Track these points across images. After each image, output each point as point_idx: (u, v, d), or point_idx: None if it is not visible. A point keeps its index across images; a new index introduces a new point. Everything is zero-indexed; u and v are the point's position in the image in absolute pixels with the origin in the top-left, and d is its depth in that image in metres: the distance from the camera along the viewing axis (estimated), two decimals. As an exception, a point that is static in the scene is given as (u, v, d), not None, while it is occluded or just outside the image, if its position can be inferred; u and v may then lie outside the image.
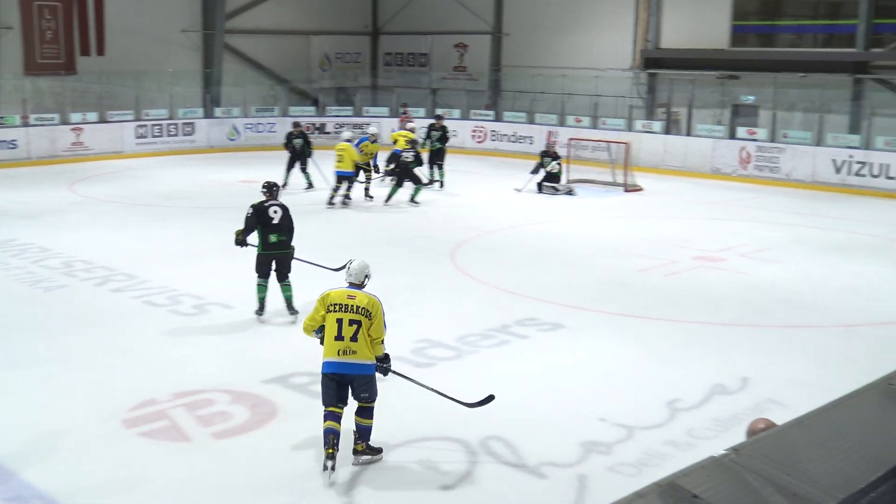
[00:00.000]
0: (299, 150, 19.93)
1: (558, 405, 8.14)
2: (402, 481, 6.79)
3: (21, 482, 6.60)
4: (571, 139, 23.92)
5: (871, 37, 23.33)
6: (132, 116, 26.03)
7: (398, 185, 18.50)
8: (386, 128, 25.83)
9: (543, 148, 21.58)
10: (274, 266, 10.45)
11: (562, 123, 26.81)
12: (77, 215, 17.17)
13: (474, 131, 28.26)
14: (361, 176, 18.77)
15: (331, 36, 33.64)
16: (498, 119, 28.60)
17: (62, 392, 8.45)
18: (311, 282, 10.43)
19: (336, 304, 6.79)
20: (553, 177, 20.52)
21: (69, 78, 26.33)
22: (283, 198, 18.34)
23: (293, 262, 10.65)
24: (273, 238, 10.34)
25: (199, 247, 14.54)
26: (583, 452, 7.21)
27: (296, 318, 10.50)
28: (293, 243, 10.56)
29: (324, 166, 19.28)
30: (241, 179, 21.55)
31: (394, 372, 7.14)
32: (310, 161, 19.87)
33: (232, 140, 27.70)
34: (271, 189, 10.62)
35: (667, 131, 25.40)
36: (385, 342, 7.00)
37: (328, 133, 28.05)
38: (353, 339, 6.72)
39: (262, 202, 10.44)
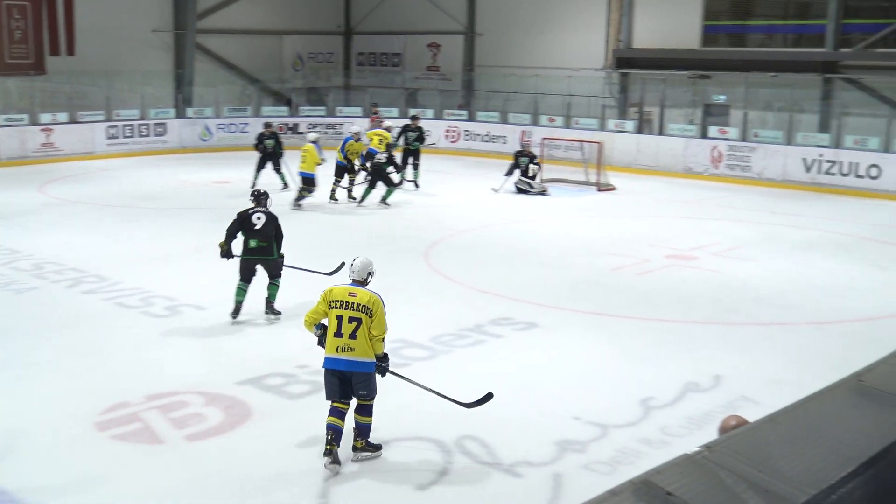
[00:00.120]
0: (271, 151, 19.87)
1: (533, 404, 8.16)
2: (378, 481, 6.78)
3: (-9, 487, 6.53)
4: (545, 139, 23.99)
5: (839, 37, 23.57)
6: (103, 117, 25.81)
7: (371, 186, 18.45)
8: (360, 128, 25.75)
9: (518, 148, 21.56)
10: (263, 269, 10.48)
11: (535, 123, 26.88)
12: (48, 216, 17.01)
13: (448, 131, 28.26)
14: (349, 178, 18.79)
15: (303, 36, 33.53)
16: (471, 119, 28.61)
17: (33, 395, 8.36)
18: (303, 284, 10.40)
19: (337, 301, 6.85)
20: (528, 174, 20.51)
21: (38, 78, 26.03)
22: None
23: (289, 271, 10.69)
24: (252, 243, 10.35)
25: (171, 248, 14.45)
26: (557, 451, 7.23)
27: (273, 319, 10.48)
28: (283, 251, 10.58)
29: (293, 167, 19.21)
30: (213, 180, 21.46)
31: (391, 372, 7.14)
32: (282, 161, 19.81)
33: (204, 140, 27.53)
34: (258, 198, 10.63)
35: (639, 131, 25.54)
36: (385, 340, 7.03)
37: (301, 133, 27.94)
38: (352, 336, 6.77)
39: (247, 209, 10.48)
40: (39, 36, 25.99)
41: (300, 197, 17.82)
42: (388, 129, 21.20)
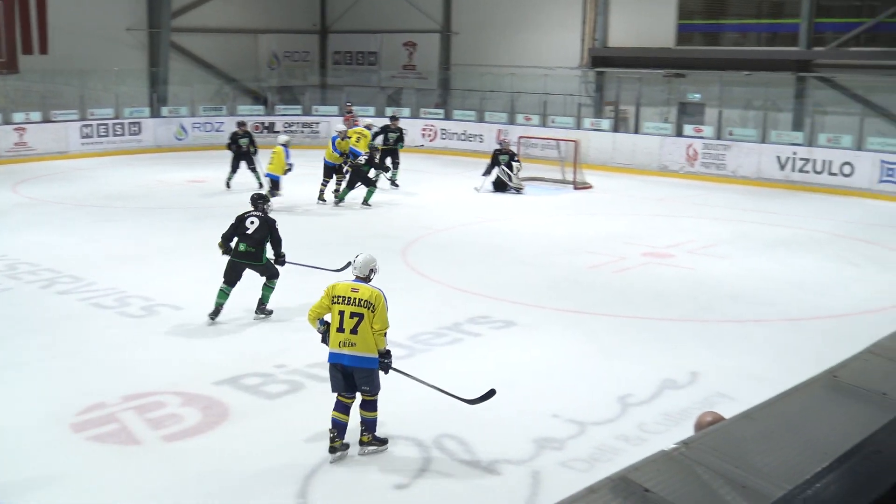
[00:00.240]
0: (245, 150, 19.81)
1: (511, 402, 8.17)
2: (357, 480, 6.78)
3: (-34, 489, 6.48)
4: (521, 137, 24.04)
5: (813, 35, 23.77)
6: (77, 116, 25.58)
7: (350, 186, 18.41)
8: (333, 127, 25.70)
9: (498, 146, 21.52)
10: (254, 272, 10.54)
11: (511, 122, 26.92)
12: (21, 217, 16.85)
13: (424, 130, 28.24)
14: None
15: (279, 34, 33.40)
16: (448, 118, 28.61)
17: (8, 396, 8.29)
18: (285, 285, 10.37)
19: (340, 297, 6.95)
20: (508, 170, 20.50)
21: (11, 77, 25.83)
22: (229, 198, 18.38)
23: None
24: (242, 247, 10.38)
25: (146, 248, 14.36)
26: (535, 448, 7.26)
27: (259, 318, 10.46)
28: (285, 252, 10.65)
29: (264, 167, 19.12)
30: (188, 179, 21.35)
31: (394, 369, 7.18)
32: (256, 160, 19.74)
33: (179, 139, 27.37)
34: (255, 201, 10.67)
35: (615, 129, 25.63)
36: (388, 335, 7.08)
37: (277, 132, 27.84)
38: (353, 331, 6.86)
39: (245, 212, 10.56)
40: (12, 34, 25.78)
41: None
42: (369, 128, 21.20)
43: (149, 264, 13.29)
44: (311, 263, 11.56)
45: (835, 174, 21.30)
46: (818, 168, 21.55)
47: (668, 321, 10.95)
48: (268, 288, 10.57)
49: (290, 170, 17.88)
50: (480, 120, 27.75)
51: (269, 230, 10.43)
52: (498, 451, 7.16)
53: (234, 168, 19.80)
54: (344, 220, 17.14)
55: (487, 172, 20.47)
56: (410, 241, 15.07)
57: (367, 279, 7.14)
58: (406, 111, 28.55)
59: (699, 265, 13.80)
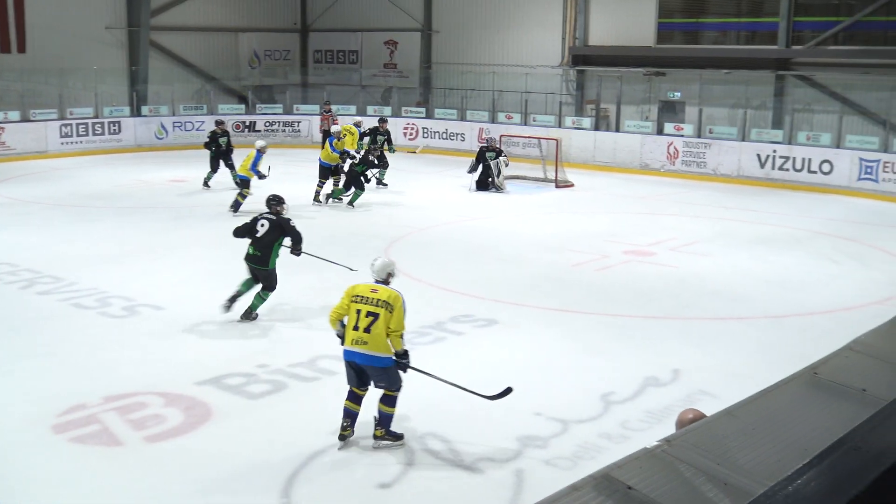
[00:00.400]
0: (225, 149, 19.75)
1: (494, 401, 8.18)
2: (340, 480, 6.77)
3: (-54, 492, 6.43)
4: (503, 136, 24.07)
5: (791, 34, 23.94)
6: (56, 115, 25.39)
7: (346, 186, 18.35)
8: (314, 126, 25.71)
9: (484, 144, 21.47)
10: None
11: (493, 120, 26.94)
12: (0, 217, 16.73)
13: (405, 128, 28.22)
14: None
15: (259, 33, 33.29)
16: (429, 116, 28.60)
17: (-12, 399, 8.24)
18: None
19: (359, 296, 7.13)
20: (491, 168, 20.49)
21: (-11, 76, 25.65)
22: (210, 197, 18.29)
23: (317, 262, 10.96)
24: (250, 250, 10.41)
25: (127, 248, 14.28)
26: (519, 447, 7.28)
27: (249, 321, 10.44)
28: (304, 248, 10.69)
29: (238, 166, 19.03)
30: (169, 179, 21.25)
31: (413, 368, 7.25)
32: (233, 158, 19.61)
33: (160, 139, 27.23)
34: (268, 202, 10.63)
35: (596, 127, 25.68)
36: (405, 337, 7.20)
37: (258, 132, 27.79)
38: (367, 330, 7.00)
39: (260, 213, 10.56)
40: (-11, 33, 25.58)
41: (236, 202, 17.21)
42: (358, 125, 21.20)
43: (130, 264, 13.22)
44: (326, 257, 11.59)
45: (814, 172, 21.43)
46: (798, 166, 21.69)
47: (650, 319, 11.00)
48: (260, 298, 10.49)
49: (261, 177, 16.90)
50: (462, 118, 27.75)
51: (281, 231, 10.42)
52: (481, 450, 7.18)
53: (214, 167, 19.72)
54: (326, 220, 17.09)
55: (473, 169, 20.48)
56: (393, 240, 15.06)
57: (385, 282, 7.30)
58: (388, 110, 28.52)
59: (681, 263, 13.86)
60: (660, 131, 24.35)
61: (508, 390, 7.38)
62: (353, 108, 28.47)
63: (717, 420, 2.86)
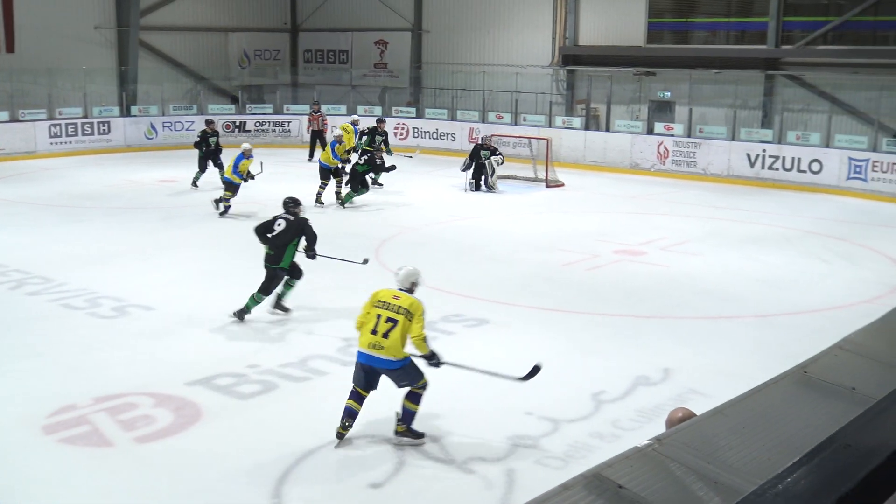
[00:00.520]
0: (214, 149, 19.73)
1: (485, 400, 8.19)
2: (332, 479, 6.77)
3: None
4: (493, 135, 24.01)
5: (781, 34, 24.01)
6: (45, 115, 25.30)
7: (353, 189, 18.34)
8: (304, 126, 25.68)
9: (479, 142, 21.40)
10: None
11: (483, 120, 26.94)
12: (-11, 218, 16.68)
13: (396, 128, 28.20)
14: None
15: (249, 33, 33.21)
16: (419, 116, 28.59)
17: (-23, 400, 8.20)
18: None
19: (381, 302, 7.20)
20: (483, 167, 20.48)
21: (-22, 76, 25.53)
22: (200, 197, 18.24)
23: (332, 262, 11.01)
24: (266, 249, 10.37)
25: (117, 248, 14.24)
26: (510, 446, 7.28)
27: (282, 316, 10.49)
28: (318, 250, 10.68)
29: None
30: (159, 179, 21.19)
31: (446, 363, 7.34)
32: (221, 157, 19.57)
33: (149, 139, 27.15)
34: (285, 204, 10.59)
35: (586, 127, 25.71)
36: (427, 339, 7.22)
37: (248, 131, 27.74)
38: (385, 335, 7.05)
39: (277, 214, 10.52)
40: (-22, 33, 25.45)
41: (220, 201, 17.12)
42: (355, 124, 21.18)
43: (119, 264, 13.18)
44: (338, 256, 11.59)
45: (804, 171, 21.50)
46: (787, 165, 21.76)
47: (641, 318, 11.02)
48: (287, 286, 10.54)
49: (249, 178, 16.91)
50: (452, 118, 27.75)
51: (299, 231, 10.40)
52: (472, 450, 7.18)
53: (203, 167, 19.69)
54: (320, 219, 16.96)
55: (467, 167, 20.47)
56: (384, 240, 15.05)
57: (409, 291, 7.35)
58: (378, 110, 28.50)
59: (671, 262, 13.89)
60: (650, 131, 24.39)
61: (537, 368, 7.43)
62: (343, 108, 28.44)
63: (708, 419, 2.87)
